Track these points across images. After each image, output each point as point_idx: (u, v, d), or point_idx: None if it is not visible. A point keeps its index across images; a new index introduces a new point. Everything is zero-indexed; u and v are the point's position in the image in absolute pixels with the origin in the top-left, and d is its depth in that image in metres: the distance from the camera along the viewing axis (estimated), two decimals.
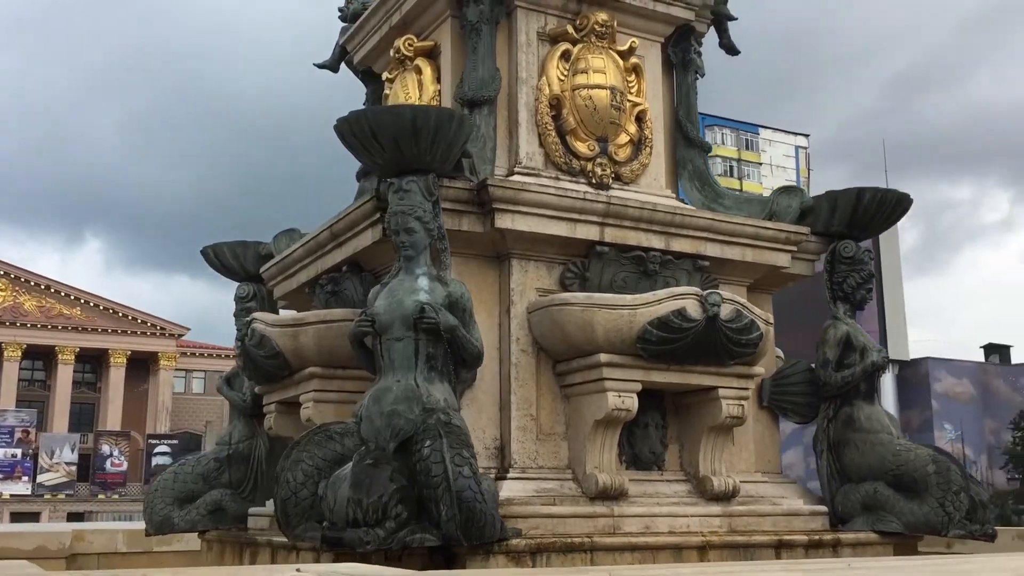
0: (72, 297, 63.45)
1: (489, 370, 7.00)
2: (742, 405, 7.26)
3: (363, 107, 9.77)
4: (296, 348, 7.24)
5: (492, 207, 6.94)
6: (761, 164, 76.22)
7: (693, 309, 6.76)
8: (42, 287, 63.37)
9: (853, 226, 8.05)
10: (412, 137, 6.25)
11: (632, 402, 6.85)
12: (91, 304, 63.98)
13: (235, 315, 9.27)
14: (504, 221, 6.99)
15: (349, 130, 6.42)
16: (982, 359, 61.14)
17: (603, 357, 6.78)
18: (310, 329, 7.21)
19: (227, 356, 72.91)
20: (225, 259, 9.22)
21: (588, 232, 7.28)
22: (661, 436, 7.49)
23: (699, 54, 8.88)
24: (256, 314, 7.78)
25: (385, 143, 6.30)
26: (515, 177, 7.50)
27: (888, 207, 8.02)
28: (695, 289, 6.96)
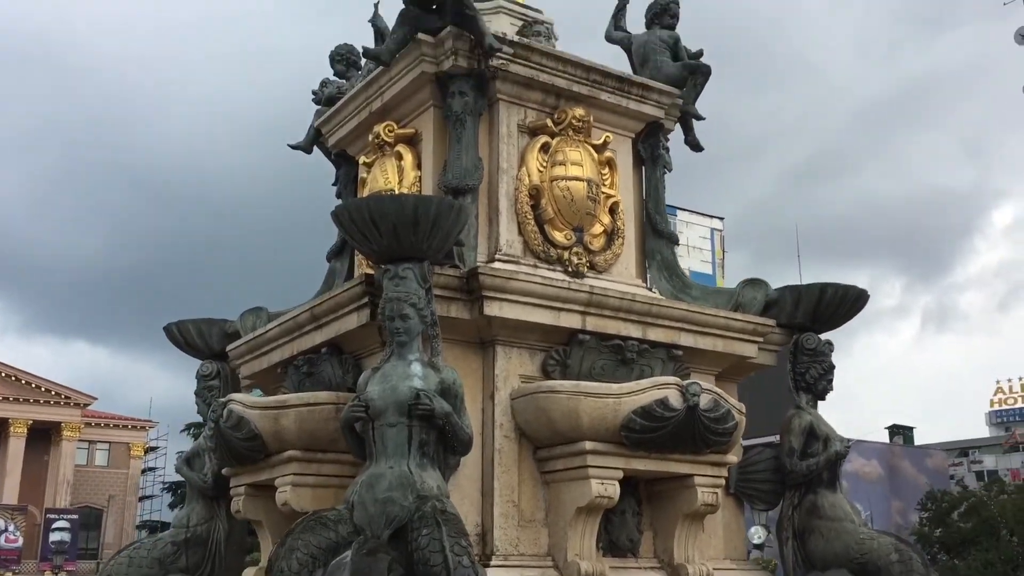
0: None
1: (472, 456, 7.02)
2: (716, 493, 7.44)
3: (335, 188, 9.89)
4: (276, 431, 7.16)
5: (481, 294, 7.07)
6: (678, 245, 78.19)
7: (675, 399, 6.95)
8: None
9: (816, 319, 8.40)
10: (412, 226, 6.37)
11: (615, 489, 6.96)
12: None
13: (196, 393, 9.11)
14: (492, 308, 7.11)
15: (348, 217, 6.50)
16: (887, 440, 62.99)
17: (588, 445, 6.89)
18: (291, 412, 7.14)
19: (133, 427, 70.41)
20: (190, 336, 9.09)
21: (571, 320, 7.45)
22: (637, 523, 7.60)
23: (667, 150, 9.27)
24: (233, 395, 7.68)
25: (384, 231, 6.39)
26: (497, 264, 7.66)
27: (849, 302, 8.41)
28: (676, 379, 7.16)
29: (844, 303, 8.38)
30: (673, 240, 9.19)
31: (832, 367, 8.37)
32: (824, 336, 8.42)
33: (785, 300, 8.50)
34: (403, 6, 8.18)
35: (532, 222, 8.09)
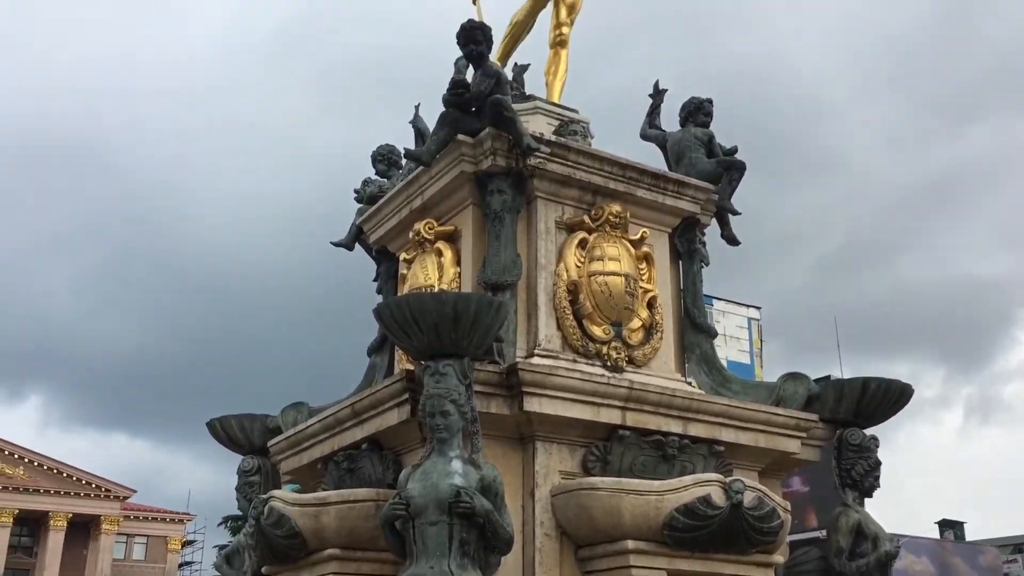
0: (15, 456, 61.18)
1: (513, 555, 6.91)
2: None
3: (376, 284, 10.06)
4: (317, 528, 7.14)
5: (521, 390, 7.08)
6: (716, 338, 77.61)
7: (718, 496, 6.85)
8: None
9: (859, 414, 8.29)
10: (452, 323, 6.44)
11: None
12: (35, 464, 61.68)
13: (237, 489, 9.13)
14: (532, 404, 7.12)
15: (390, 315, 6.60)
16: (937, 535, 60.95)
17: (630, 544, 6.79)
18: (332, 509, 7.12)
19: (172, 520, 70.10)
20: (232, 432, 9.16)
21: (611, 416, 7.42)
22: None
23: (704, 244, 9.34)
24: (274, 492, 7.69)
25: (425, 328, 6.47)
26: (536, 360, 7.69)
27: (892, 397, 8.30)
28: (718, 476, 7.07)
29: (888, 398, 8.27)
30: (712, 334, 9.18)
31: (878, 463, 8.22)
32: (869, 431, 8.29)
33: (827, 394, 8.40)
34: (443, 109, 8.44)
35: (571, 317, 8.14)
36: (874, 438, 8.28)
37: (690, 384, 8.71)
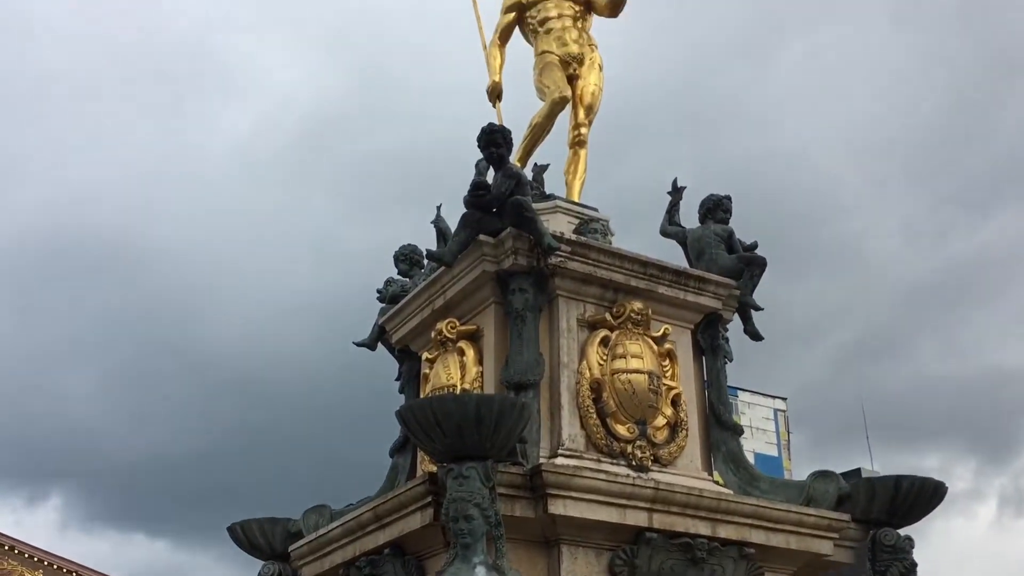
0: (35, 559, 60.66)
1: None
2: None
3: (398, 383, 10.04)
4: None
5: (545, 492, 6.98)
6: (743, 435, 76.35)
7: None
8: (5, 547, 60.60)
9: (893, 513, 8.09)
10: (475, 425, 6.39)
11: None
12: (54, 567, 61.09)
13: None
14: (557, 507, 7.00)
15: (413, 417, 6.57)
16: None
17: None
18: None
19: None
20: (253, 537, 9.05)
21: (637, 518, 7.28)
22: None
23: (727, 340, 9.29)
24: None
25: (448, 430, 6.43)
26: (560, 460, 7.59)
27: (926, 496, 8.11)
28: None
29: (922, 497, 8.08)
30: (738, 431, 9.06)
31: (914, 565, 7.98)
32: (903, 531, 8.07)
33: (859, 494, 8.22)
34: (464, 210, 8.55)
35: (594, 416, 8.07)
36: (909, 538, 8.06)
37: (718, 483, 8.55)
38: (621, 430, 8.11)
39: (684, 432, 8.44)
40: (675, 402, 8.50)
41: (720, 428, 8.93)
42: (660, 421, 8.35)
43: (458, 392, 8.23)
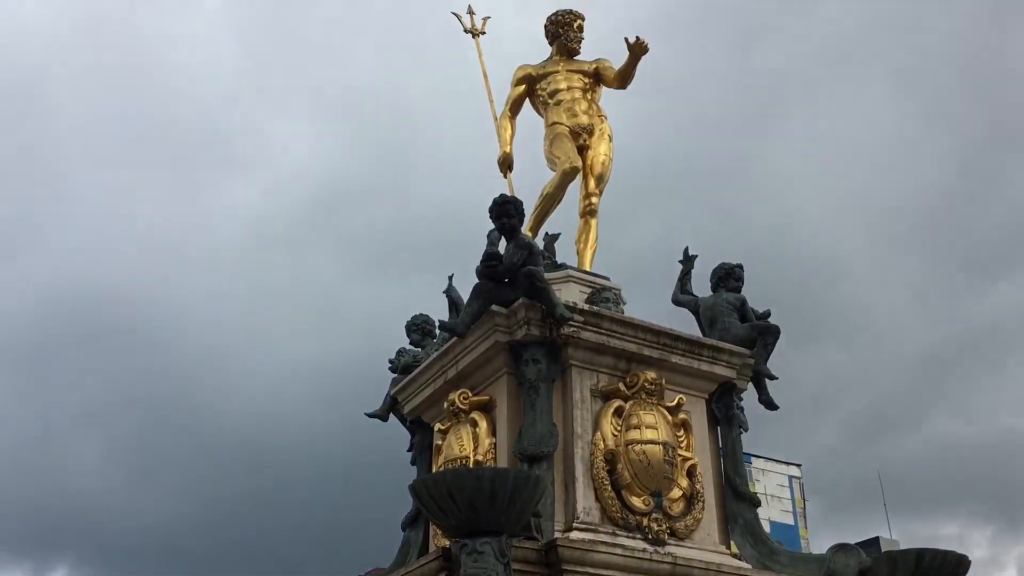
0: None
1: None
2: None
3: (410, 454, 9.95)
4: None
5: (561, 568, 6.88)
6: (756, 494, 75.30)
7: None
8: None
9: None
10: (489, 500, 6.31)
11: None
12: None
13: None
14: None
15: (426, 491, 6.49)
16: None
17: None
18: None
19: None
20: None
21: None
22: None
23: (742, 409, 9.22)
24: None
25: (461, 504, 6.35)
26: (575, 534, 7.48)
27: (948, 569, 7.93)
28: None
29: (944, 570, 7.89)
30: (755, 503, 8.93)
31: None
32: None
33: (880, 568, 8.04)
34: (477, 280, 8.57)
35: (609, 488, 7.97)
36: None
37: (735, 557, 8.40)
38: (637, 502, 8.00)
39: (701, 504, 8.33)
40: (691, 473, 8.40)
41: (737, 500, 8.81)
42: (676, 493, 8.25)
43: (471, 464, 8.16)
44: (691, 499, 8.29)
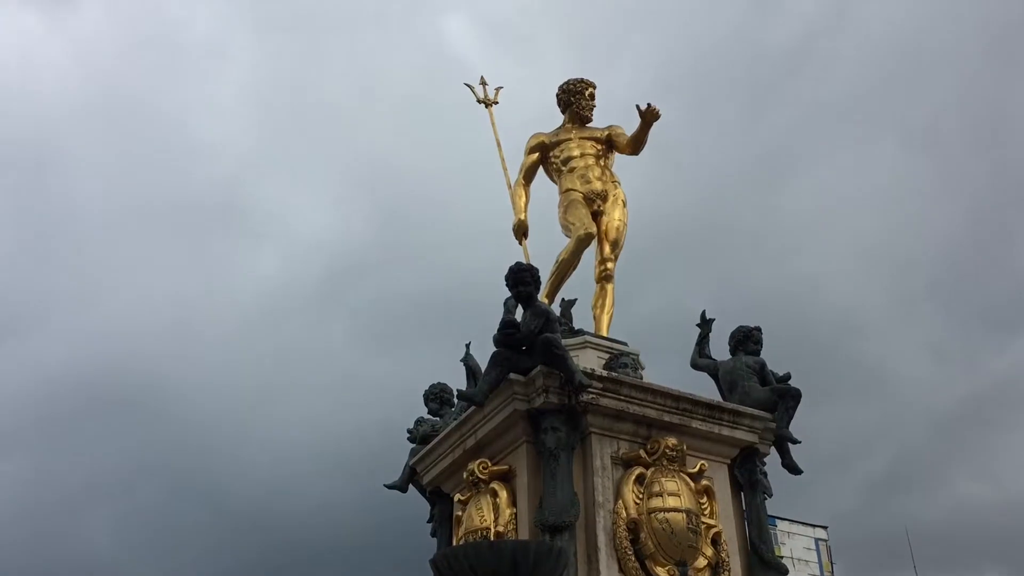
0: None
1: None
2: None
3: (430, 526, 9.84)
4: None
5: None
6: (782, 558, 73.84)
7: None
8: None
9: None
10: (511, 573, 6.23)
11: None
12: None
13: None
14: None
15: (447, 565, 6.41)
16: None
17: None
18: None
19: None
20: None
21: None
22: None
23: (764, 474, 9.09)
24: None
25: None
26: None
27: None
28: None
29: None
30: (782, 570, 8.75)
31: None
32: None
33: None
34: (494, 348, 8.55)
35: (632, 558, 7.84)
36: None
37: None
38: (661, 572, 7.87)
39: (727, 573, 8.18)
40: (715, 541, 8.26)
41: (763, 567, 8.65)
42: (701, 562, 8.10)
43: (492, 535, 8.07)
44: (716, 568, 8.14)
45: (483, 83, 12.26)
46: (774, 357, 9.79)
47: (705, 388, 9.62)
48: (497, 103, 12.17)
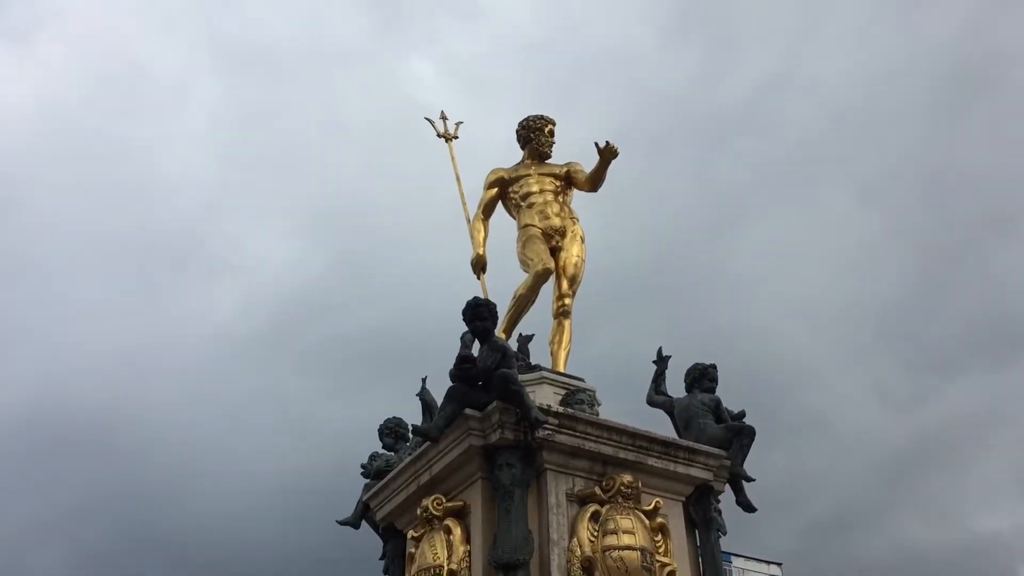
0: None
1: None
2: None
3: (382, 563, 9.70)
4: None
5: None
6: None
7: None
8: None
9: None
10: None
11: None
12: None
13: None
14: None
15: None
16: None
17: None
18: None
19: None
20: None
21: None
22: None
23: (719, 512, 9.09)
24: None
25: None
26: None
27: None
28: None
29: None
30: None
31: None
32: None
33: None
34: (450, 383, 8.49)
35: None
36: None
37: None
38: None
39: None
40: None
41: None
42: None
43: (445, 573, 7.99)
44: None
45: (443, 117, 12.30)
46: (723, 398, 9.83)
47: (661, 425, 9.64)
48: (457, 137, 12.20)
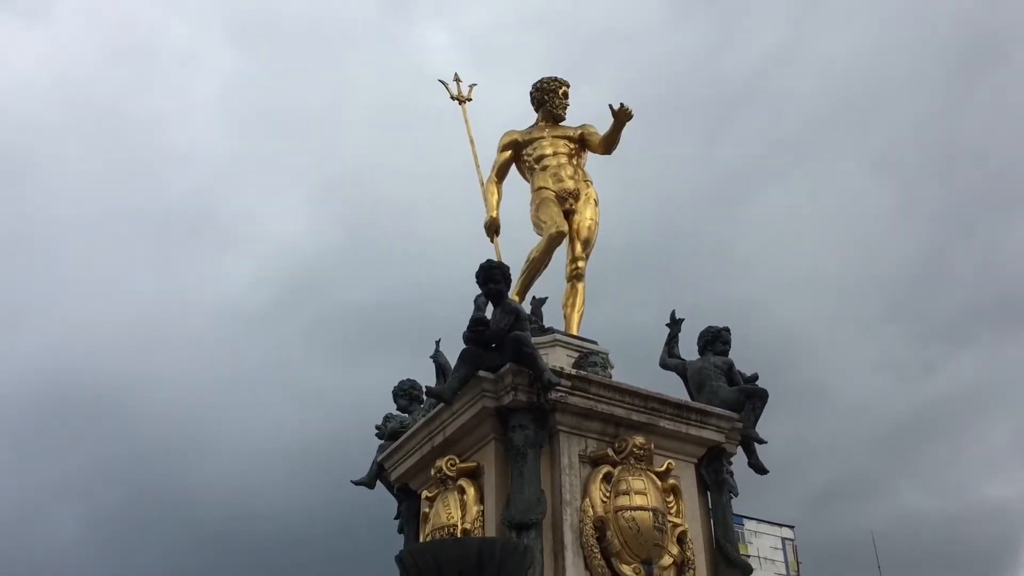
0: None
1: None
2: None
3: (397, 522, 9.82)
4: None
5: None
6: (748, 557, 74.20)
7: None
8: None
9: None
10: (476, 570, 6.20)
11: None
12: None
13: None
14: None
15: (413, 562, 6.38)
16: None
17: None
18: None
19: None
20: None
21: None
22: None
23: (731, 474, 9.14)
24: None
25: (449, 575, 6.24)
26: None
27: None
28: None
29: None
30: (746, 570, 8.80)
31: None
32: None
33: None
34: (464, 346, 8.53)
35: (599, 556, 7.86)
36: None
37: None
38: (627, 570, 7.89)
39: (691, 572, 8.22)
40: (681, 540, 8.30)
41: (728, 566, 8.70)
42: (666, 560, 8.14)
43: (459, 533, 8.06)
44: (682, 567, 8.18)
45: (457, 80, 12.24)
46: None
47: (673, 388, 9.68)
48: (471, 100, 12.13)
